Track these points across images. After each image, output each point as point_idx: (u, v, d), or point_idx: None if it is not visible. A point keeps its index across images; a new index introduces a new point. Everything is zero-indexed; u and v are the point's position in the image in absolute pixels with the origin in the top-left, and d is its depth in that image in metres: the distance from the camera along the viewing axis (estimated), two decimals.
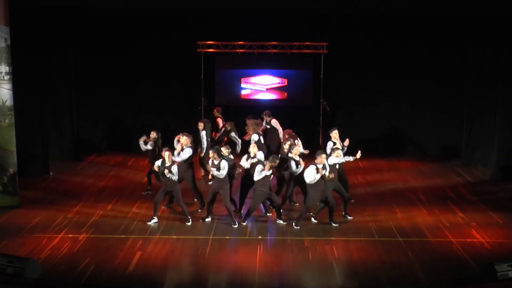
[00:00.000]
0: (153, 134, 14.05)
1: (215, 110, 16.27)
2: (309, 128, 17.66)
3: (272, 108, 18.06)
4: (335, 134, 13.50)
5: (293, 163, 12.43)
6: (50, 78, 16.71)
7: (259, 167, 11.87)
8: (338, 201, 12.72)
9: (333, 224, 12.12)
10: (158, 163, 12.15)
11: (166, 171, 11.81)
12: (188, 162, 12.82)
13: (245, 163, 12.54)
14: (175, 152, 12.61)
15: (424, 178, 15.76)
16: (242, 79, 18.41)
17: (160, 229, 11.90)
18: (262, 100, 18.45)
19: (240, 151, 15.22)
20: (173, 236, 11.52)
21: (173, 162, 12.10)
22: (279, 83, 18.41)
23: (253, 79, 18.41)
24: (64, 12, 16.41)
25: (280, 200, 12.62)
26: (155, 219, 12.19)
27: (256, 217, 12.72)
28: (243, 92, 18.48)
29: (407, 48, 17.81)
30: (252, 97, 18.51)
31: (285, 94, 18.44)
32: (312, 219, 12.38)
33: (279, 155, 13.07)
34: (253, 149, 12.59)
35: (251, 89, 18.46)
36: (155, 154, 13.58)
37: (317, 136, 17.72)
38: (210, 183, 13.61)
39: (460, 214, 12.91)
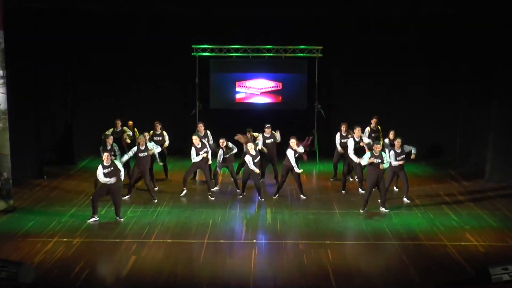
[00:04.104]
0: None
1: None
2: (304, 132, 17.67)
3: (267, 112, 18.13)
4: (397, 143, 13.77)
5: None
6: (45, 81, 16.67)
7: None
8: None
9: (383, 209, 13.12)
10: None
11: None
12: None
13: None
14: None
15: (419, 182, 15.78)
16: (236, 83, 18.40)
17: (154, 233, 11.88)
18: (257, 104, 18.45)
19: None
20: (168, 240, 11.50)
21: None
22: (273, 87, 18.41)
23: (248, 83, 18.41)
24: (59, 15, 16.40)
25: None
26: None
27: (253, 219, 12.75)
28: (238, 96, 18.48)
29: (402, 52, 17.86)
30: (246, 101, 18.50)
31: (280, 97, 18.44)
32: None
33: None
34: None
35: (245, 92, 18.46)
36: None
37: (312, 139, 17.74)
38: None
39: (454, 217, 12.93)
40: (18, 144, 14.51)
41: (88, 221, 12.45)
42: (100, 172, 12.30)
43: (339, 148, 15.30)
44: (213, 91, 18.40)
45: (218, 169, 14.55)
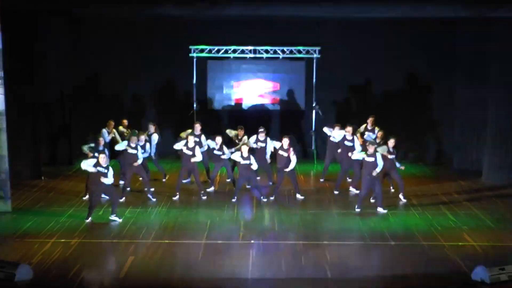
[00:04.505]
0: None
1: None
2: (302, 132, 17.70)
3: (264, 112, 18.14)
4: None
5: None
6: (42, 81, 16.64)
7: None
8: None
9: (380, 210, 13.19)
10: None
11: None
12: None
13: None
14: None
15: (416, 182, 15.80)
16: (234, 84, 18.40)
17: (152, 233, 11.88)
18: (254, 104, 18.44)
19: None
20: (166, 241, 11.50)
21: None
22: (271, 87, 18.42)
23: (245, 84, 18.41)
24: (56, 16, 16.38)
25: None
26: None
27: (251, 219, 12.76)
28: (235, 96, 18.47)
29: (399, 52, 17.86)
30: (244, 102, 18.49)
31: (278, 99, 18.44)
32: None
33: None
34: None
35: (243, 93, 18.44)
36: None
37: (310, 140, 17.77)
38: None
39: (452, 217, 12.95)
40: (16, 144, 14.49)
41: (86, 220, 12.47)
42: (92, 165, 12.29)
43: (324, 129, 15.48)
44: (211, 92, 18.40)
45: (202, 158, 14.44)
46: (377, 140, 14.46)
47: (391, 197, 14.28)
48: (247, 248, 11.18)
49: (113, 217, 12.54)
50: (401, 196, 14.02)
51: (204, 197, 14.22)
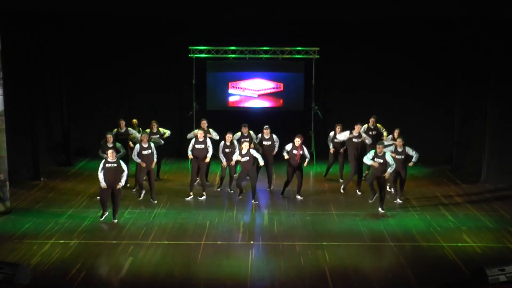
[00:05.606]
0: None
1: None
2: (301, 133, 17.66)
3: (264, 112, 18.11)
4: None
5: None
6: (41, 82, 16.66)
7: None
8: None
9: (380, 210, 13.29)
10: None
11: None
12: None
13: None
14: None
15: (415, 183, 15.80)
16: (233, 84, 18.36)
17: (151, 234, 11.88)
18: (253, 105, 18.42)
19: None
20: (165, 242, 11.50)
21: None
22: (273, 88, 18.37)
23: (245, 85, 18.39)
24: (55, 17, 16.38)
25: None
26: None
27: (250, 220, 12.76)
28: (235, 98, 18.44)
29: (398, 54, 17.87)
30: (244, 102, 18.45)
31: (277, 99, 18.40)
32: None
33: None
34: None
35: (242, 95, 18.41)
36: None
37: (309, 141, 17.75)
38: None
39: (451, 218, 12.96)
40: (15, 145, 14.49)
41: (101, 219, 12.48)
42: (100, 167, 12.30)
43: (330, 145, 15.46)
44: (210, 92, 18.38)
45: (221, 159, 14.38)
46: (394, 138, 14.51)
47: (392, 198, 14.26)
48: (247, 249, 11.18)
49: (113, 220, 12.54)
50: (397, 199, 14.02)
51: (202, 198, 14.20)
